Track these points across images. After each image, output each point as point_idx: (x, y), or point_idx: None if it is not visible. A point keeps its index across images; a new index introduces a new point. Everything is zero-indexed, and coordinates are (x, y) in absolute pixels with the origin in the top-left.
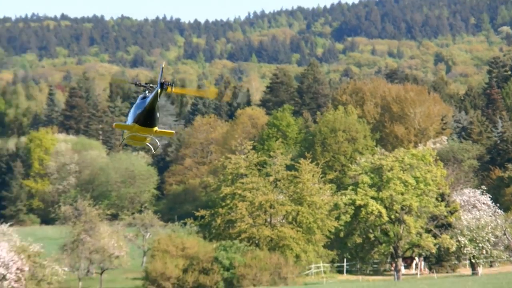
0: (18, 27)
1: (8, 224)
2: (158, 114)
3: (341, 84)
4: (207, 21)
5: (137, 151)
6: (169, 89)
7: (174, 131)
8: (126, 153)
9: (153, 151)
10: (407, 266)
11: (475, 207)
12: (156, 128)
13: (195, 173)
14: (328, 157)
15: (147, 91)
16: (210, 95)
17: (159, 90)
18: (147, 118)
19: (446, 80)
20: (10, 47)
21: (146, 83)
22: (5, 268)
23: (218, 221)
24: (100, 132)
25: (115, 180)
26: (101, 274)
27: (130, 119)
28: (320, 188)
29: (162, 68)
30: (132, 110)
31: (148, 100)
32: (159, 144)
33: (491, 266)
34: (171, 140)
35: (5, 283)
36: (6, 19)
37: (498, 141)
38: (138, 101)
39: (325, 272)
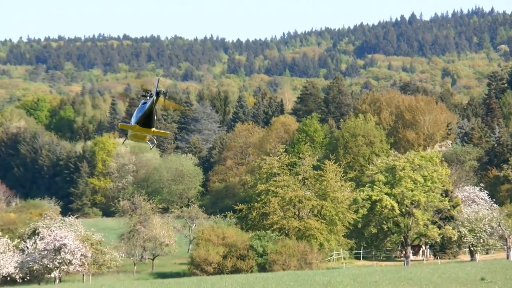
0: (86, 46)
1: (75, 216)
2: (155, 117)
3: (361, 95)
4: (247, 40)
5: (186, 154)
6: (161, 99)
7: (169, 132)
8: (176, 155)
9: (150, 147)
10: (415, 253)
11: (474, 202)
12: (154, 129)
13: (235, 172)
14: (349, 159)
15: (147, 97)
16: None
17: (155, 98)
18: (146, 121)
19: (452, 92)
20: (79, 63)
21: (148, 90)
22: (71, 254)
23: (254, 214)
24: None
25: (167, 178)
26: (153, 259)
27: (133, 121)
28: (342, 186)
29: (158, 80)
30: (134, 113)
31: (147, 105)
32: (155, 142)
33: (487, 253)
34: (215, 143)
35: (71, 267)
36: (76, 39)
37: (495, 145)
38: (139, 106)
39: (344, 259)
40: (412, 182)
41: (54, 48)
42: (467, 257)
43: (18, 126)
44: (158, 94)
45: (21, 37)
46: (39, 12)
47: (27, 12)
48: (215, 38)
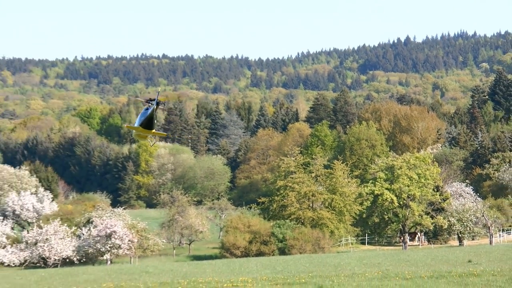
0: (131, 64)
1: (122, 207)
2: (155, 121)
3: (364, 105)
4: (267, 59)
5: (216, 155)
6: (158, 106)
7: (166, 133)
8: (208, 156)
9: (151, 144)
10: (412, 239)
11: (461, 196)
12: (153, 130)
13: (258, 170)
14: (354, 159)
15: (149, 104)
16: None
17: (155, 107)
18: (148, 123)
19: (441, 103)
20: (125, 78)
21: (150, 100)
22: (120, 240)
23: (274, 205)
24: (189, 141)
25: (200, 175)
26: (189, 244)
27: (136, 123)
28: (348, 182)
29: (158, 92)
30: (138, 117)
31: (149, 112)
32: (155, 140)
33: (473, 239)
34: (241, 146)
35: (120, 250)
36: (122, 58)
37: (478, 148)
38: (143, 111)
39: (351, 244)
40: (408, 179)
41: (104, 66)
42: (456, 243)
43: (74, 131)
44: (158, 103)
45: (76, 56)
46: (91, 35)
47: (81, 34)
48: (240, 57)
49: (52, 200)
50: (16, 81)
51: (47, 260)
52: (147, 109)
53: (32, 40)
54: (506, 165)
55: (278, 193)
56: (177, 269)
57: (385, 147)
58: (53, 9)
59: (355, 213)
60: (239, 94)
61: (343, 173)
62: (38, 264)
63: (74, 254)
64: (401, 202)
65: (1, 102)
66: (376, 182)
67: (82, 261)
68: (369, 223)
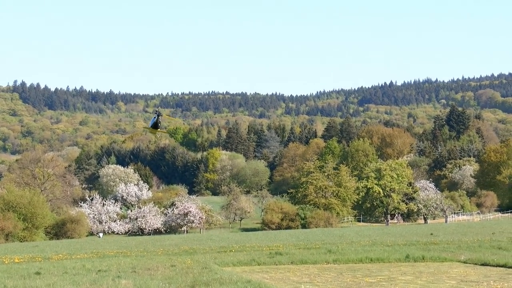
0: (204, 98)
1: (196, 195)
2: (159, 124)
3: (361, 127)
4: (296, 95)
5: (260, 160)
6: (159, 117)
7: (166, 131)
8: (254, 160)
9: (159, 137)
10: (392, 219)
11: (426, 189)
12: (159, 129)
13: (288, 171)
14: (354, 164)
15: (157, 114)
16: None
17: (157, 117)
18: (154, 126)
19: (413, 126)
20: (200, 107)
21: (158, 112)
22: (193, 217)
23: (299, 195)
24: (242, 150)
25: (249, 174)
26: (240, 220)
27: (149, 125)
28: (350, 179)
29: (159, 109)
30: (150, 121)
31: (155, 119)
32: (159, 136)
33: (434, 219)
34: (277, 154)
35: (193, 224)
36: (199, 94)
37: (438, 156)
38: (152, 119)
39: (351, 221)
40: (390, 177)
41: (186, 99)
42: (422, 221)
43: (164, 143)
44: (158, 115)
45: (167, 92)
46: (178, 77)
47: (172, 77)
48: (277, 94)
49: (148, 190)
50: (127, 109)
51: (143, 230)
52: (154, 118)
53: (138, 80)
54: (457, 168)
55: (302, 186)
56: (232, 237)
57: (375, 156)
58: (154, 57)
59: (354, 201)
60: (276, 119)
61: (346, 173)
62: (137, 233)
63: (162, 226)
64: (385, 193)
65: (116, 123)
66: (369, 179)
67: (167, 231)
68: (363, 207)
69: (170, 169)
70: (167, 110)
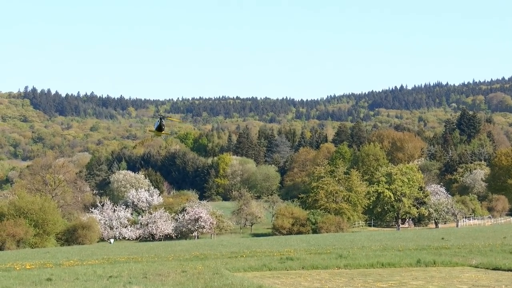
0: (215, 103)
1: (206, 200)
2: (164, 126)
3: (371, 132)
4: (307, 100)
5: (271, 164)
6: (162, 119)
7: (169, 132)
8: (265, 165)
9: (163, 138)
10: (403, 223)
11: (437, 194)
12: (163, 132)
13: (299, 176)
14: (365, 168)
15: (160, 117)
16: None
17: (160, 119)
18: (159, 128)
19: (424, 130)
20: (210, 112)
21: (160, 115)
22: (204, 222)
23: (310, 199)
24: (253, 155)
25: (259, 179)
26: (251, 225)
27: (154, 127)
28: (360, 183)
29: (159, 112)
30: (155, 124)
31: (159, 122)
32: (164, 137)
33: (445, 223)
34: (288, 159)
35: (204, 230)
36: (209, 99)
37: (449, 161)
38: (156, 122)
39: (362, 226)
40: (401, 182)
41: (197, 104)
42: (433, 226)
43: (175, 148)
44: (162, 118)
45: (178, 97)
46: (189, 82)
47: (182, 82)
48: (288, 98)
49: (159, 195)
50: (138, 114)
51: (154, 235)
52: (157, 121)
53: (148, 85)
54: (468, 173)
55: (312, 191)
56: (242, 243)
57: (386, 160)
58: (164, 62)
59: (365, 205)
60: (287, 124)
61: (357, 177)
62: (148, 239)
63: (173, 231)
64: (396, 198)
65: (127, 128)
66: (379, 184)
67: (178, 236)
68: (374, 212)
69: (181, 174)
70: (177, 115)
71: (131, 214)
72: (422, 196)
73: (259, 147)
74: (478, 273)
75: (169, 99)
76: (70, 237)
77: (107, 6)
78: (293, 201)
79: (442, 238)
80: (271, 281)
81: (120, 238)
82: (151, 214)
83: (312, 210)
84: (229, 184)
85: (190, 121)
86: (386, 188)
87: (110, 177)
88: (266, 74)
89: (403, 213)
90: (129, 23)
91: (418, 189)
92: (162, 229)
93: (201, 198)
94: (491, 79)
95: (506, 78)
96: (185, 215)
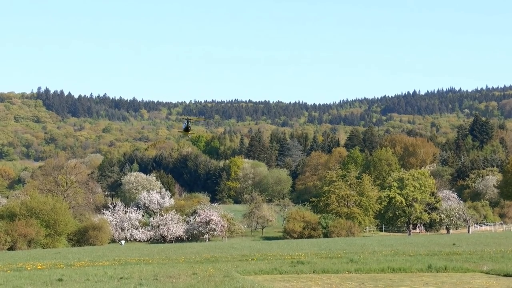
0: (227, 106)
1: (218, 203)
2: (190, 128)
3: (384, 137)
4: (319, 104)
5: (282, 168)
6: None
7: (194, 132)
8: (276, 169)
9: (189, 137)
10: (414, 228)
11: (449, 199)
12: (190, 132)
13: (310, 179)
14: (376, 173)
15: (186, 120)
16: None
17: (187, 121)
18: (186, 129)
19: (436, 136)
20: (223, 115)
21: (187, 119)
22: (215, 225)
23: (321, 204)
24: (264, 158)
25: (271, 182)
26: (262, 229)
27: (182, 128)
28: (372, 188)
29: (183, 114)
30: (183, 125)
31: (186, 124)
32: (189, 136)
33: (456, 229)
34: (299, 163)
35: (215, 232)
36: (222, 102)
37: (461, 166)
38: (184, 123)
39: (373, 231)
40: (413, 187)
41: (209, 107)
42: (444, 231)
43: (187, 151)
44: (188, 120)
45: (190, 100)
46: (202, 84)
47: (195, 84)
48: (300, 102)
49: (170, 197)
50: (150, 116)
51: (165, 237)
52: (185, 123)
53: (161, 87)
54: (480, 178)
55: (324, 195)
56: (253, 246)
57: (398, 165)
58: (177, 65)
59: (376, 210)
60: (299, 128)
61: (369, 182)
62: (159, 241)
63: (184, 234)
64: (407, 203)
65: (139, 130)
66: (391, 189)
67: (189, 239)
68: (385, 217)
69: (193, 177)
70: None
71: (143, 216)
72: (434, 202)
73: (271, 150)
74: (489, 280)
75: (182, 102)
76: (81, 238)
77: (120, 8)
78: (305, 205)
79: (454, 244)
80: (281, 284)
81: (131, 239)
82: (162, 216)
83: (323, 214)
84: (240, 187)
85: (202, 124)
86: (398, 193)
87: (122, 178)
88: (279, 77)
89: (414, 218)
90: (142, 25)
91: (430, 194)
92: (173, 231)
93: (213, 200)
94: (505, 85)
95: None
96: (196, 217)
